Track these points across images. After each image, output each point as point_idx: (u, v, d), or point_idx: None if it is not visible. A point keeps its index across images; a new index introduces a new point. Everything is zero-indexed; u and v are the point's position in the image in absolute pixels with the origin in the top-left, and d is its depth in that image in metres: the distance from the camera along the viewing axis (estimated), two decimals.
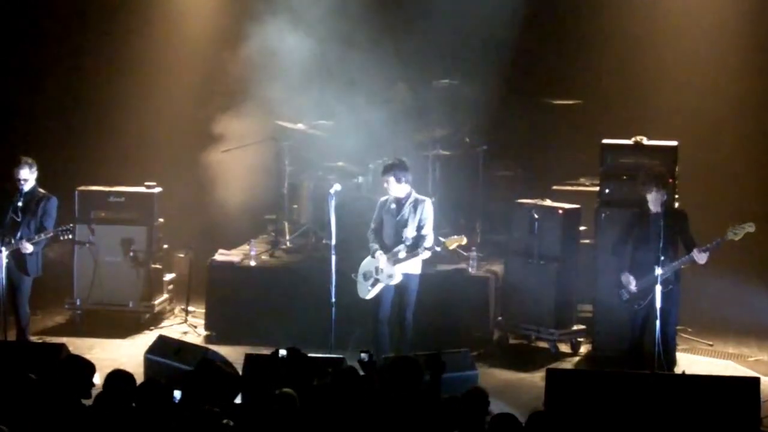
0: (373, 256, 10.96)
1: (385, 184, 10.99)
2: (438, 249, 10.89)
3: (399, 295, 10.99)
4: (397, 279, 10.88)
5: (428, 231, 10.95)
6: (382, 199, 11.16)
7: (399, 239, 10.92)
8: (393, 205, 10.99)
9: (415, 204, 10.98)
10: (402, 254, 10.84)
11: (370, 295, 10.98)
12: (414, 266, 10.94)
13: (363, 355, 8.60)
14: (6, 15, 14.18)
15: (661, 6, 13.93)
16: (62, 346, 9.94)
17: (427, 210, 10.98)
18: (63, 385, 7.63)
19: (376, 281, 10.92)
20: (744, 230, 10.19)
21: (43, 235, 11.10)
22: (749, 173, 14.02)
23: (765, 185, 13.85)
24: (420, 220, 10.93)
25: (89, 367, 7.84)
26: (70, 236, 11.40)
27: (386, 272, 10.88)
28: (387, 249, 10.91)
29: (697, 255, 10.28)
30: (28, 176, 11.16)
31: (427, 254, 10.85)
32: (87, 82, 14.35)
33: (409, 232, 10.90)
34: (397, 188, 10.96)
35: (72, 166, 13.73)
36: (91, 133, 14.26)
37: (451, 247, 11.04)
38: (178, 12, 13.92)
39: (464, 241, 11.08)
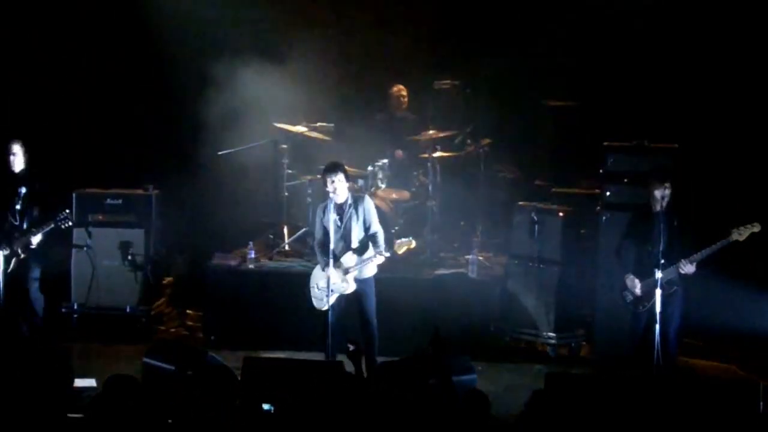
0: (324, 270, 10.64)
1: (332, 185, 10.55)
2: (388, 254, 10.61)
3: (358, 303, 10.74)
4: (351, 288, 10.63)
5: (377, 228, 10.66)
6: (320, 206, 10.80)
7: (348, 247, 10.66)
8: (334, 214, 10.61)
9: (356, 205, 10.67)
10: (352, 262, 10.60)
11: (326, 307, 10.63)
12: (368, 271, 10.70)
13: (350, 345, 8.54)
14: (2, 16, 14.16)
15: (661, 7, 13.88)
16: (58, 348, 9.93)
17: (368, 206, 10.70)
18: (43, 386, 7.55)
19: (331, 292, 10.55)
20: (749, 231, 10.10)
21: (44, 228, 11.14)
22: (752, 174, 13.95)
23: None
24: (365, 220, 10.66)
25: (67, 370, 7.74)
26: (70, 223, 11.35)
27: (339, 283, 10.59)
28: (336, 258, 10.60)
29: (684, 266, 10.19)
30: (22, 162, 11.40)
31: (380, 259, 10.60)
32: (85, 84, 14.31)
33: (355, 237, 10.66)
34: (343, 189, 10.62)
35: (69, 168, 13.69)
36: (89, 135, 14.22)
37: (400, 252, 10.69)
38: (179, 13, 13.87)
39: (413, 244, 10.74)
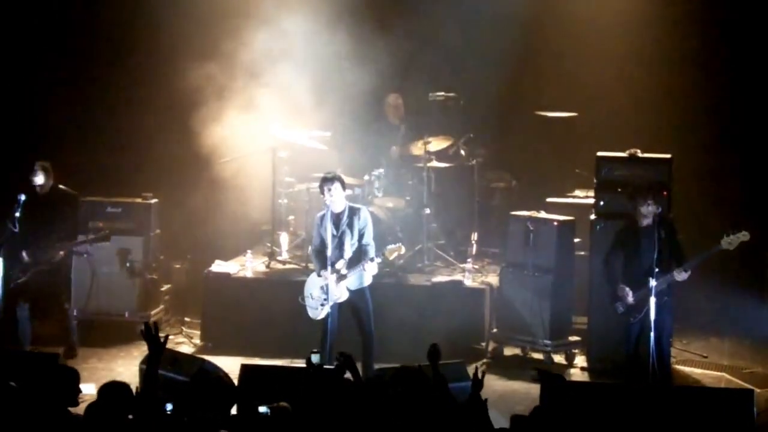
0: (319, 275, 10.79)
1: (329, 194, 10.69)
2: (379, 260, 10.74)
3: (355, 311, 10.85)
4: (344, 296, 10.75)
5: (369, 240, 10.79)
6: (318, 215, 10.93)
7: (342, 255, 10.75)
8: (331, 224, 10.69)
9: (351, 215, 10.79)
10: (344, 270, 10.71)
11: (321, 315, 10.76)
12: (365, 279, 10.79)
13: (314, 356, 8.50)
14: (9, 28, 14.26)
15: (657, 18, 13.98)
16: (57, 356, 9.96)
17: (365, 218, 10.83)
18: (49, 393, 7.59)
19: (325, 301, 10.71)
20: (738, 240, 10.18)
21: (78, 244, 11.71)
22: (744, 184, 14.04)
23: (759, 196, 13.88)
24: (360, 230, 10.78)
25: (74, 375, 7.79)
26: (106, 242, 11.90)
27: (333, 291, 10.69)
28: (332, 266, 10.70)
29: (678, 275, 10.29)
30: (43, 181, 11.64)
31: (373, 266, 10.71)
32: (86, 94, 14.36)
33: (349, 247, 10.76)
34: (340, 198, 10.76)
35: (70, 177, 13.72)
36: (90, 143, 14.28)
37: (390, 258, 10.84)
38: (180, 24, 13.95)
39: (403, 250, 10.93)
